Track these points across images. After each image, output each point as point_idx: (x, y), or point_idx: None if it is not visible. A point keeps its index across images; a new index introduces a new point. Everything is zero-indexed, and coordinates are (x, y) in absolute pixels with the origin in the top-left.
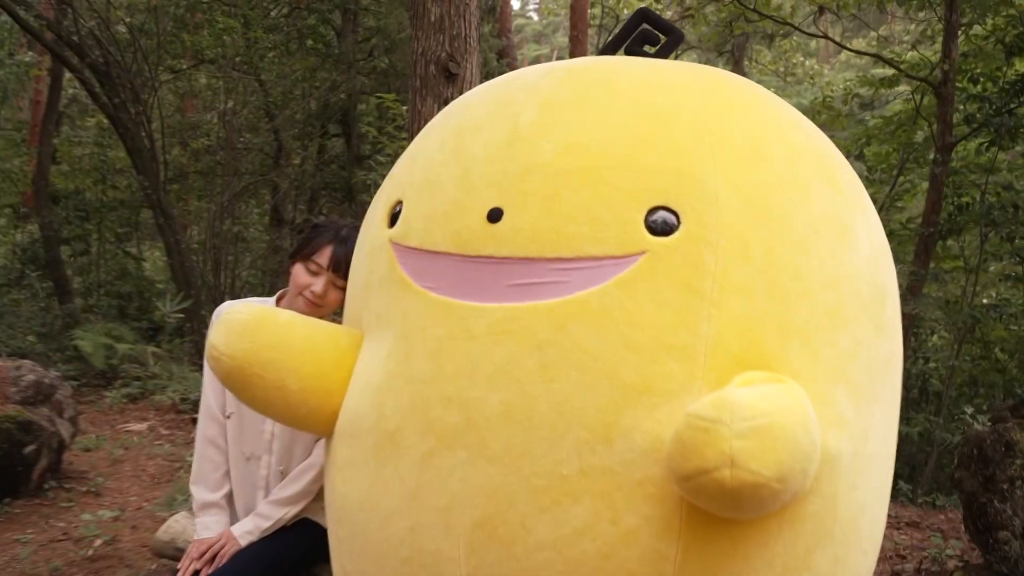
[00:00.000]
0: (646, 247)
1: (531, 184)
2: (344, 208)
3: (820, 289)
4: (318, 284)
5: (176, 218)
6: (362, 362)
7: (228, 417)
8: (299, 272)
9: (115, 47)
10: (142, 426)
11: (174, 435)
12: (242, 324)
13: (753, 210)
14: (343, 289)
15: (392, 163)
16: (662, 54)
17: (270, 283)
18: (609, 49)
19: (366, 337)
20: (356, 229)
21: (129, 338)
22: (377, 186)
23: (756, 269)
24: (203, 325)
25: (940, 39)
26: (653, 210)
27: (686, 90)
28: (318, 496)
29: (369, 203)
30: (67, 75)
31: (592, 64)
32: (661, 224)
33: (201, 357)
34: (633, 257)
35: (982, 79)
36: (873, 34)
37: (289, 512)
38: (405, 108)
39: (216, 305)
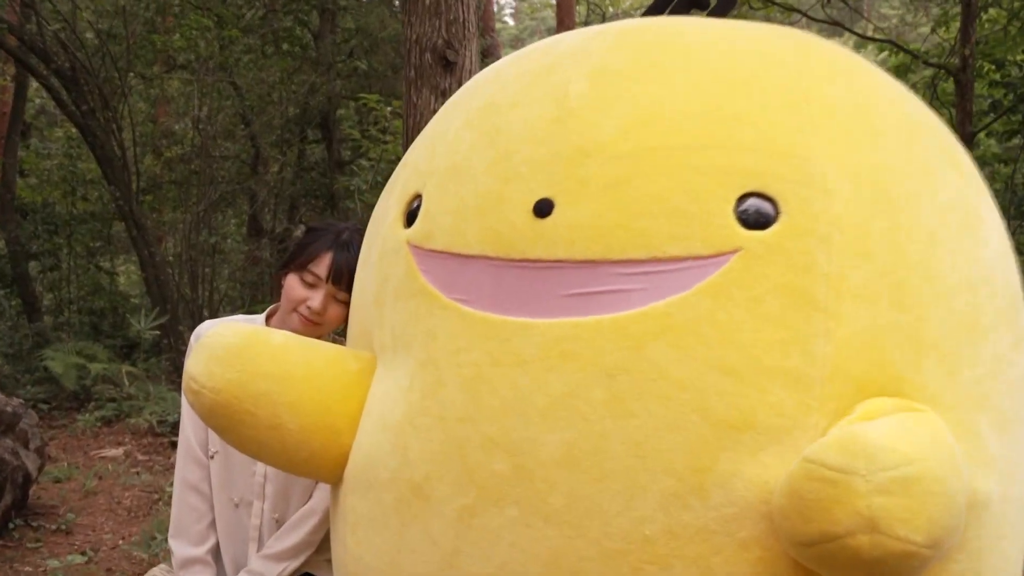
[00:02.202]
0: (739, 244)
1: (589, 169)
2: (326, 216)
3: (954, 293)
4: (316, 298)
5: (150, 230)
6: (376, 393)
7: (212, 457)
8: (293, 284)
9: (82, 52)
10: (117, 451)
11: (152, 461)
12: (227, 349)
13: (869, 196)
14: (345, 303)
15: (377, 167)
16: (716, 16)
17: (249, 296)
18: (651, 13)
19: (380, 361)
20: (359, 232)
21: (102, 357)
22: (361, 192)
23: (879, 269)
24: (180, 341)
25: (957, 23)
26: (743, 198)
27: (772, 52)
28: (321, 547)
29: (353, 210)
30: (34, 85)
31: (649, 24)
32: (754, 215)
33: (180, 374)
34: (723, 257)
35: (1008, 63)
36: (884, 24)
37: (287, 568)
38: (389, 110)
39: (195, 321)
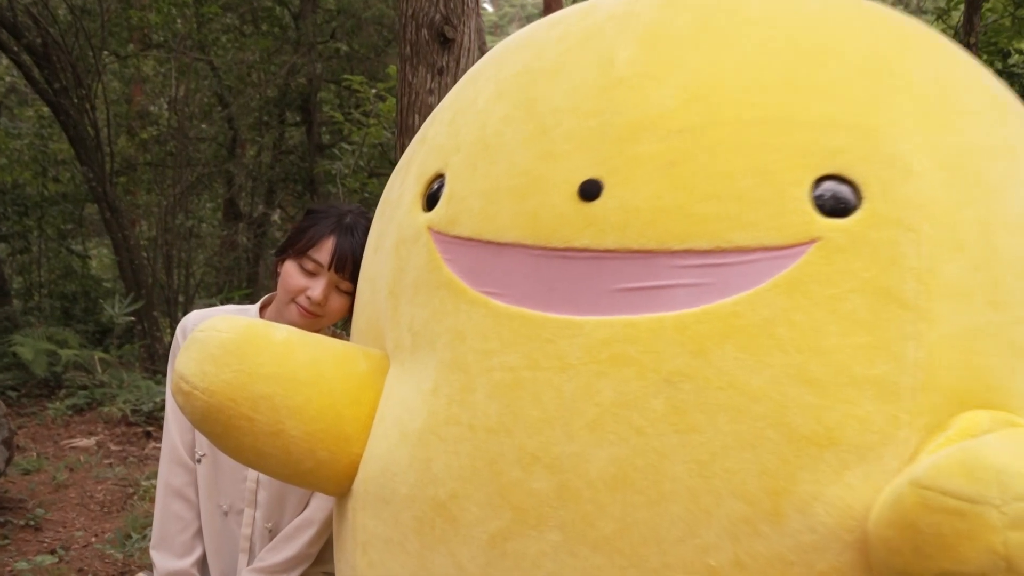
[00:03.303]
0: (817, 233)
1: (644, 146)
2: (305, 201)
3: None
4: (317, 288)
5: (124, 212)
6: (392, 397)
7: (199, 461)
8: (291, 272)
9: (55, 28)
10: (89, 441)
11: (125, 452)
12: (223, 346)
13: (958, 180)
14: (349, 294)
15: (360, 151)
16: None
17: (224, 282)
18: None
19: (394, 361)
20: (363, 216)
21: (74, 343)
22: (343, 176)
23: (972, 263)
24: (155, 327)
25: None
26: (819, 181)
27: (845, 19)
28: (320, 559)
29: (334, 194)
30: (4, 62)
31: None
32: (831, 200)
33: (154, 361)
34: (799, 248)
35: (1013, 52)
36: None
37: None
38: (374, 92)
39: (170, 307)
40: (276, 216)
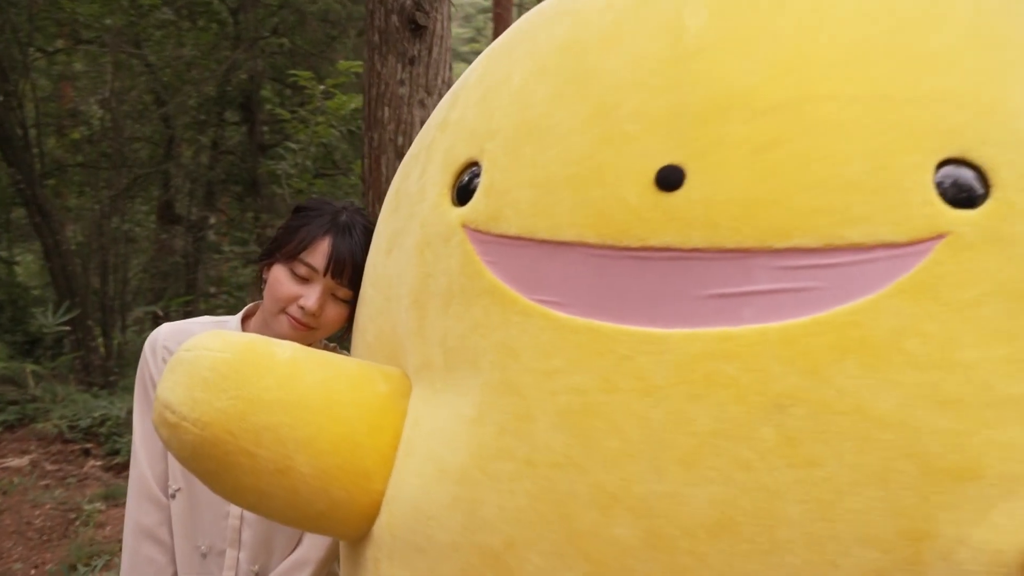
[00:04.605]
0: (945, 227)
1: (730, 126)
2: (247, 203)
3: None
4: (311, 296)
5: (54, 216)
6: (423, 426)
7: (173, 496)
8: (281, 279)
9: None
10: (23, 461)
11: (63, 471)
12: (217, 368)
13: None
14: (347, 302)
15: (307, 151)
16: None
17: (160, 289)
18: None
19: (420, 382)
20: (360, 213)
21: (2, 354)
22: (289, 176)
23: None
24: (90, 337)
25: None
26: (940, 165)
27: None
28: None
29: (280, 196)
30: None
31: None
32: (953, 188)
33: (89, 373)
34: (923, 245)
35: None
36: None
37: None
38: (322, 88)
39: (105, 315)
40: (213, 219)
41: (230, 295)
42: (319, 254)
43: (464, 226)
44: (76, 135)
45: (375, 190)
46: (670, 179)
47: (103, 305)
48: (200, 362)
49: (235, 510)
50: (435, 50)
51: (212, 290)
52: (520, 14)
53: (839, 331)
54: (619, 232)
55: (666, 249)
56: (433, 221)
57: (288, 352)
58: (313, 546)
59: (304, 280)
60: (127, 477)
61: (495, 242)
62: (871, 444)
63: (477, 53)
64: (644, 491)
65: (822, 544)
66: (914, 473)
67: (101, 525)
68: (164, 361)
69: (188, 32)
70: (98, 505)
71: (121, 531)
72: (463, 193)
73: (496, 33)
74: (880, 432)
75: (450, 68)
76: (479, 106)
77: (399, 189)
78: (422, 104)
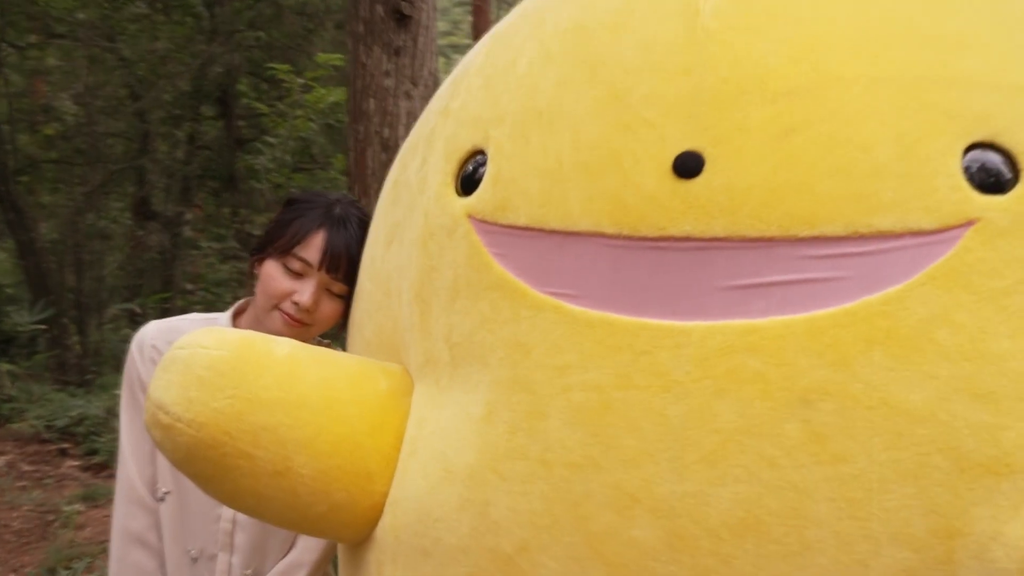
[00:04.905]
0: (975, 213)
1: (750, 110)
2: (224, 198)
3: None
4: (305, 291)
5: (28, 213)
6: (427, 425)
7: (162, 499)
8: (274, 274)
9: None
10: None
11: (40, 472)
12: (213, 367)
13: None
14: (342, 297)
15: (286, 145)
16: None
17: (137, 286)
18: None
19: (423, 380)
20: (355, 205)
21: None
22: (268, 171)
23: None
24: (65, 336)
25: None
26: (967, 150)
27: None
28: None
29: (258, 191)
30: None
31: None
32: (980, 173)
33: (65, 372)
34: (953, 231)
35: None
36: None
37: None
38: (301, 82)
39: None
40: (189, 215)
41: (208, 291)
42: (313, 248)
43: (470, 217)
44: (49, 131)
45: (361, 183)
46: (689, 166)
47: (78, 303)
48: (195, 360)
49: (227, 513)
50: (421, 40)
51: (189, 287)
52: (500, 7)
53: (867, 322)
54: (636, 221)
55: (686, 239)
56: (436, 212)
57: (286, 349)
58: (307, 548)
59: (298, 275)
60: (106, 477)
61: (503, 233)
62: (902, 439)
63: (454, 47)
64: (665, 491)
65: (853, 544)
66: (947, 468)
67: (81, 527)
68: (152, 360)
69: (163, 26)
70: (77, 506)
71: (102, 533)
72: (468, 183)
73: (475, 27)
74: (911, 426)
75: (436, 59)
76: (483, 92)
77: (397, 180)
78: (408, 96)
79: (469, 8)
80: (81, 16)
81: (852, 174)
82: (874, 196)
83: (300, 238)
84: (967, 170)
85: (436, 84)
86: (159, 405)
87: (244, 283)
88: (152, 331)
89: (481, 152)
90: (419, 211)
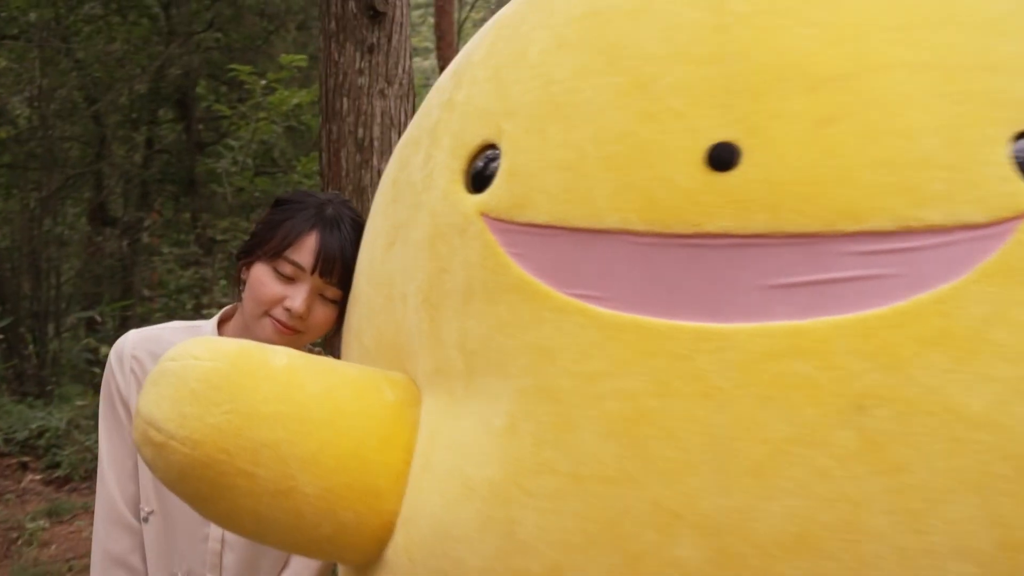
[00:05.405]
0: None
1: (790, 99)
2: (184, 203)
3: None
4: (297, 297)
5: None
6: (441, 437)
7: (146, 519)
8: (264, 279)
9: None
10: None
11: (0, 487)
12: (207, 379)
13: None
14: (336, 303)
15: (248, 148)
16: None
17: (93, 293)
18: None
19: (434, 390)
20: (347, 205)
21: None
22: (230, 174)
23: None
24: (22, 345)
25: None
26: (1016, 138)
27: None
28: None
29: (220, 194)
30: None
31: None
32: None
33: (23, 383)
34: (1004, 225)
35: None
36: None
37: None
38: (263, 83)
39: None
40: (148, 220)
41: (170, 299)
42: (305, 251)
43: (483, 215)
44: (2, 134)
45: (335, 185)
46: (724, 157)
47: (35, 311)
48: (188, 372)
49: (215, 532)
50: (395, 38)
51: (147, 293)
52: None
53: (921, 322)
54: (668, 217)
55: (723, 235)
56: (445, 211)
57: (284, 359)
58: (302, 568)
59: (289, 280)
60: (69, 491)
61: (521, 231)
62: (964, 446)
63: (416, 49)
64: (709, 506)
65: (914, 559)
66: (1012, 477)
67: (46, 544)
68: (132, 371)
69: (118, 27)
70: (41, 523)
71: (68, 550)
72: (479, 179)
73: (438, 27)
74: (973, 432)
75: (411, 58)
76: (490, 84)
77: (397, 178)
78: (382, 94)
79: (430, 10)
80: (33, 17)
81: (897, 165)
82: (922, 188)
83: (291, 240)
84: (1016, 159)
85: (411, 83)
86: (150, 422)
87: (207, 289)
88: (132, 340)
89: (492, 146)
90: (425, 210)
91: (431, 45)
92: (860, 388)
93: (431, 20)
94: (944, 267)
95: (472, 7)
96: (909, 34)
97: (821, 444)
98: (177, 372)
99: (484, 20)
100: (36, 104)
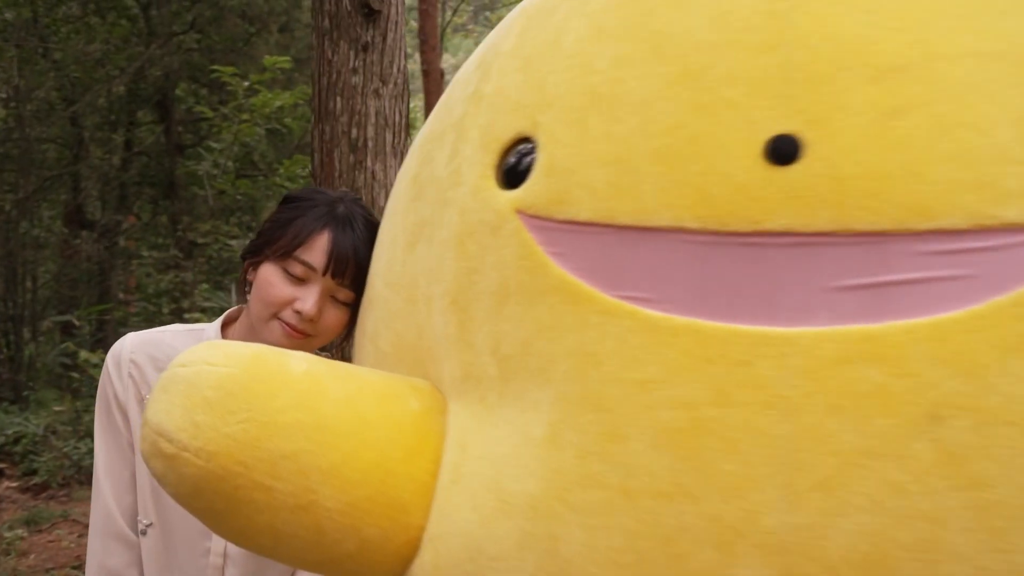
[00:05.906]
0: None
1: (853, 89)
2: (162, 206)
3: None
4: (308, 298)
5: None
6: (473, 448)
7: (144, 532)
8: (272, 280)
9: None
10: None
11: None
12: (222, 386)
13: None
14: (348, 305)
15: (230, 150)
16: None
17: (70, 297)
18: None
19: (464, 397)
20: (358, 203)
21: None
22: (212, 177)
23: None
24: None
25: None
26: None
27: None
28: None
29: (201, 196)
30: None
31: None
32: None
33: (0, 388)
34: None
35: None
36: None
37: None
38: (246, 84)
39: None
40: (126, 223)
41: (148, 302)
42: (317, 251)
43: (518, 212)
44: None
45: (327, 187)
46: (784, 151)
47: (10, 315)
48: (201, 379)
49: (217, 546)
50: (390, 36)
51: (123, 296)
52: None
53: (1000, 326)
54: (724, 214)
55: (785, 233)
56: (476, 208)
57: (303, 365)
58: None
59: (299, 281)
60: (47, 499)
61: (561, 229)
62: None
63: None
64: (774, 523)
65: None
66: None
67: (24, 553)
68: (131, 376)
69: (98, 27)
70: (19, 532)
71: (48, 559)
72: (512, 175)
73: (421, 30)
74: None
75: (406, 57)
76: (521, 75)
77: (418, 175)
78: (377, 94)
79: (413, 13)
80: (10, 16)
81: (970, 159)
82: (997, 184)
83: (302, 239)
84: None
85: (407, 83)
86: (160, 432)
87: (187, 293)
88: (130, 344)
89: (526, 140)
90: (453, 208)
91: (411, 50)
92: (936, 397)
93: (413, 24)
94: (1022, 268)
95: (455, 12)
96: (974, 22)
97: (895, 457)
98: (189, 378)
99: (465, 25)
100: (12, 105)
